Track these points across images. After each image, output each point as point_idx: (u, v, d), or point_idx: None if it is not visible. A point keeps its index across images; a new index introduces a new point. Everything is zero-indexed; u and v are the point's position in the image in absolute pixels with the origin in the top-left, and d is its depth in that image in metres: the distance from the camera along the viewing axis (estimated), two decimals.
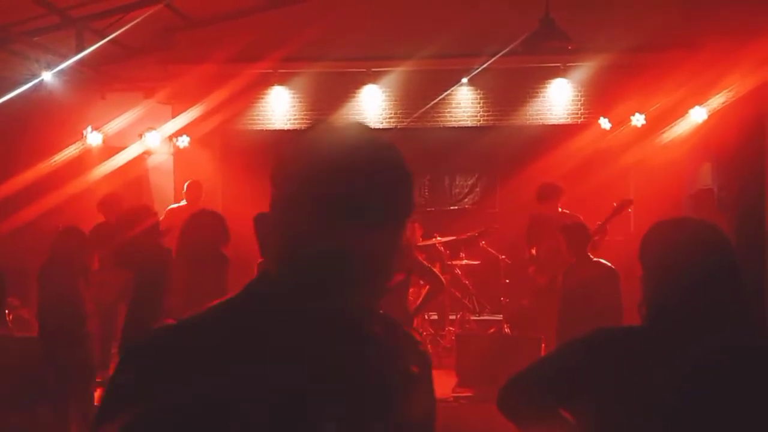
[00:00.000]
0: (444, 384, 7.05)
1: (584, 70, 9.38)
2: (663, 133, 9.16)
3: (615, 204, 6.70)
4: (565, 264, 5.57)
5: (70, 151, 9.23)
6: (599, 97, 9.49)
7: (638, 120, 9.17)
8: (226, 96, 9.31)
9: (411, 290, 5.50)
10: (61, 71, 8.25)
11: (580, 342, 1.91)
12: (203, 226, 5.98)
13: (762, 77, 7.99)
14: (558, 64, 9.40)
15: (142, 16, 7.92)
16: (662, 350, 1.77)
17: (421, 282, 5.36)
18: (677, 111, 9.02)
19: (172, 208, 8.78)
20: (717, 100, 8.67)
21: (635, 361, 1.77)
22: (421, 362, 1.30)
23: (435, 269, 8.48)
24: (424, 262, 5.34)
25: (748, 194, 8.06)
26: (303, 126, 9.88)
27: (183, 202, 8.83)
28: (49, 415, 5.66)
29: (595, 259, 5.36)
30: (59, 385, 5.63)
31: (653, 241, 1.92)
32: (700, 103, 8.84)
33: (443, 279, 5.18)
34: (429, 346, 8.31)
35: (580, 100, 9.66)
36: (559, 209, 7.14)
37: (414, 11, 9.23)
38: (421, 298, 5.23)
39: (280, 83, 9.81)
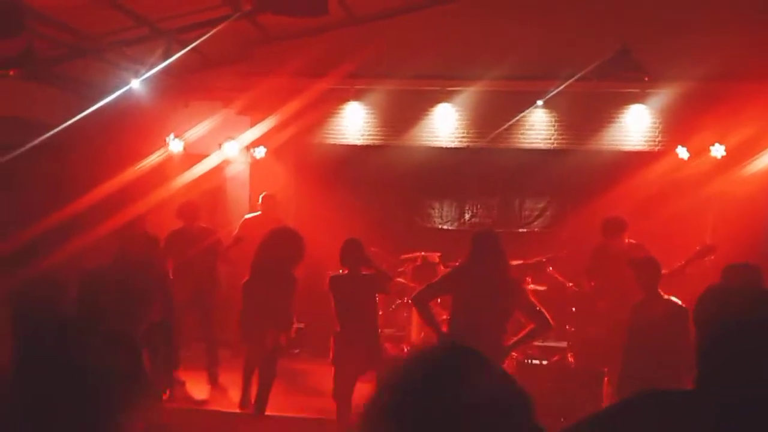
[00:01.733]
0: None
1: (662, 97, 9.19)
2: (744, 165, 8.89)
3: (697, 248, 6.56)
4: (632, 296, 5.48)
5: (154, 158, 9.60)
6: (678, 125, 9.28)
7: (718, 151, 8.93)
8: (302, 109, 9.51)
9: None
10: (148, 79, 8.58)
11: (630, 406, 1.90)
12: (282, 243, 6.16)
13: None
14: (636, 90, 9.23)
15: (219, 27, 8.14)
16: (706, 421, 1.77)
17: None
18: (759, 143, 8.75)
19: (247, 219, 9.03)
20: None
21: (679, 430, 1.78)
22: None
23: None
24: (536, 302, 5.18)
25: None
26: (375, 142, 10.00)
27: (257, 213, 9.06)
28: None
29: (665, 296, 5.25)
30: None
31: (706, 307, 1.91)
32: None
33: (551, 321, 5.00)
34: None
35: (658, 128, 9.46)
36: (627, 240, 7.01)
37: (490, 31, 9.22)
38: (522, 334, 5.09)
39: (355, 99, 9.96)
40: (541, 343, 8.80)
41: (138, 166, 9.31)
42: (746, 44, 8.57)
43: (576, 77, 8.72)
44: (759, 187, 8.82)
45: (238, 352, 7.23)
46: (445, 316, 5.75)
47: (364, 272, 5.97)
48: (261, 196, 9.16)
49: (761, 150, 8.78)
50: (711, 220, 9.23)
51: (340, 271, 6.09)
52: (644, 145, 9.51)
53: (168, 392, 6.71)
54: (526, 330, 4.99)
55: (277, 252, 6.12)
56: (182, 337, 7.60)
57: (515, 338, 5.00)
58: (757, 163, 8.84)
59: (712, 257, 6.64)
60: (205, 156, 9.93)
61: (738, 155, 8.90)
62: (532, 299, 5.11)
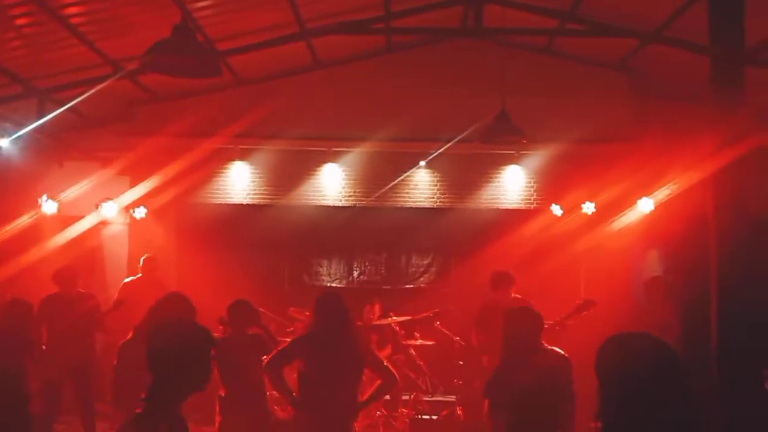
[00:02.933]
0: None
1: (537, 158, 9.75)
2: (613, 221, 9.51)
3: (578, 302, 6.89)
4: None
5: (25, 220, 9.10)
6: (551, 184, 9.84)
7: (588, 208, 9.52)
8: (184, 169, 9.36)
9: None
10: (19, 138, 8.20)
11: None
12: (174, 308, 5.94)
13: (702, 173, 8.39)
14: (512, 152, 9.76)
15: (101, 87, 7.95)
16: None
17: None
18: (626, 201, 9.39)
19: (127, 282, 8.70)
20: (663, 192, 9.05)
21: None
22: None
23: (387, 349, 8.54)
24: (379, 356, 5.25)
25: (693, 280, 8.34)
26: (262, 201, 9.95)
27: (138, 276, 8.76)
28: None
29: (549, 347, 5.44)
30: None
31: (606, 358, 2.02)
32: (647, 194, 9.23)
33: (396, 375, 5.08)
34: (382, 428, 8.22)
35: (533, 187, 9.99)
36: (513, 295, 7.26)
37: (376, 94, 9.52)
38: (371, 391, 5.13)
39: (240, 158, 9.92)
40: (430, 398, 8.91)
41: (7, 228, 8.79)
42: (615, 110, 9.29)
43: (457, 139, 9.13)
44: (627, 241, 9.43)
45: (115, 423, 6.84)
46: None
47: (249, 332, 5.87)
48: (142, 259, 8.86)
49: (628, 206, 9.43)
50: (584, 273, 9.75)
51: (223, 332, 5.94)
52: (521, 203, 9.99)
53: None
54: (375, 386, 5.05)
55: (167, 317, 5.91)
56: (58, 411, 7.14)
57: (365, 396, 5.04)
58: (625, 218, 9.47)
59: (591, 311, 6.98)
60: (81, 217, 9.53)
61: (607, 212, 9.52)
62: (378, 356, 5.19)
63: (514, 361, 4.97)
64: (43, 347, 6.76)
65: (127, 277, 8.96)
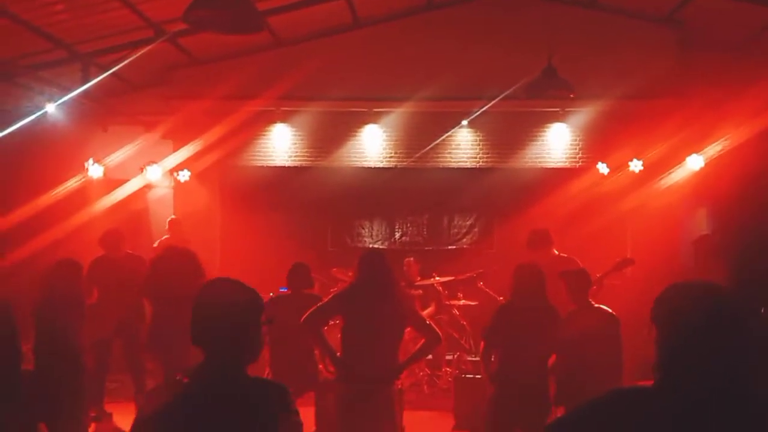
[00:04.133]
0: (441, 426, 7.01)
1: (583, 115, 9.52)
2: (661, 179, 9.27)
3: (617, 260, 6.76)
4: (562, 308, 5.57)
5: (72, 184, 9.27)
6: (597, 142, 9.62)
7: (636, 166, 9.30)
8: (227, 132, 9.41)
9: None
10: (65, 104, 8.29)
11: (599, 405, 1.93)
12: (174, 264, 6.05)
13: (755, 128, 8.14)
14: (557, 109, 9.54)
15: (144, 51, 7.99)
16: (674, 415, 1.82)
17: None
18: (674, 158, 9.16)
19: (161, 242, 8.87)
20: (713, 149, 8.80)
21: (650, 426, 1.82)
22: None
23: (431, 308, 8.54)
24: (421, 314, 5.23)
25: (744, 239, 8.13)
26: (304, 163, 9.95)
27: (165, 237, 8.97)
28: None
29: (596, 305, 5.37)
30: (51, 420, 5.55)
31: (667, 305, 1.95)
32: (696, 151, 8.97)
33: (440, 333, 5.06)
34: (426, 387, 8.26)
35: (579, 145, 9.78)
36: (555, 252, 7.15)
37: (416, 53, 9.39)
38: (415, 350, 5.12)
39: (282, 120, 9.91)
40: (473, 358, 8.90)
41: (54, 192, 8.96)
42: (662, 65, 9.00)
43: (501, 96, 8.95)
44: (674, 199, 9.20)
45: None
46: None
47: (306, 292, 5.97)
48: (168, 221, 9.08)
49: (676, 164, 9.18)
50: (630, 233, 9.57)
51: (271, 294, 6.04)
52: (566, 162, 9.80)
53: (93, 426, 6.42)
54: (419, 346, 5.02)
55: (171, 274, 6.04)
56: (108, 369, 7.32)
57: (408, 356, 5.01)
58: (673, 176, 9.23)
59: (631, 269, 6.85)
60: (127, 181, 9.67)
61: (655, 170, 9.29)
62: (422, 315, 5.17)
63: (511, 311, 5.12)
64: (93, 307, 6.91)
65: (156, 240, 9.13)
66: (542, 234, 7.21)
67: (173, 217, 9.25)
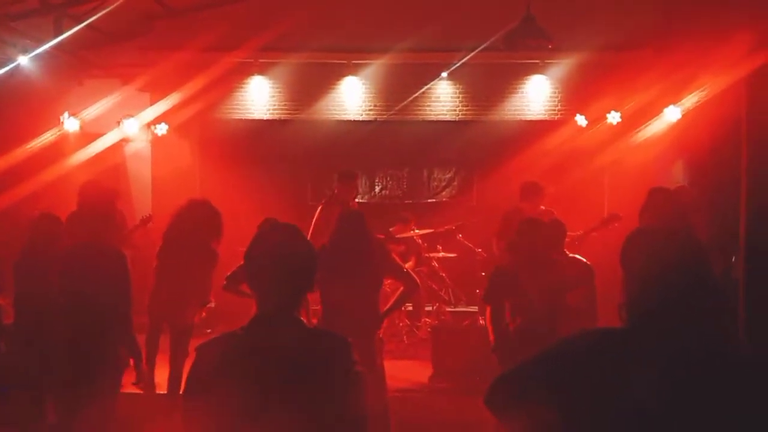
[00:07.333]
0: (420, 375, 7.16)
1: (562, 67, 9.50)
2: (638, 131, 9.32)
3: (603, 216, 6.87)
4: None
5: (47, 137, 9.15)
6: (576, 94, 9.63)
7: (614, 118, 9.33)
8: (205, 84, 9.27)
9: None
10: (38, 56, 8.13)
11: (568, 344, 1.98)
12: (195, 219, 6.01)
13: (733, 77, 8.13)
14: (536, 61, 9.51)
15: (119, 2, 7.82)
16: (642, 354, 1.87)
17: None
18: (652, 110, 9.18)
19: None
20: (690, 100, 8.83)
21: (617, 364, 1.86)
22: None
23: (411, 261, 8.61)
24: (399, 262, 5.29)
25: (722, 193, 8.22)
26: (282, 116, 9.88)
27: None
28: (25, 402, 5.62)
29: (571, 255, 5.47)
30: (37, 374, 5.59)
31: (635, 248, 2.00)
32: (674, 102, 9.00)
33: (417, 280, 5.12)
34: (405, 337, 8.39)
35: (558, 97, 9.79)
36: (542, 207, 7.22)
37: (395, 4, 9.25)
38: (394, 298, 5.19)
39: (260, 73, 9.80)
40: (452, 309, 9.04)
41: (29, 146, 8.84)
42: (641, 16, 8.95)
43: (481, 48, 8.88)
44: (652, 151, 9.26)
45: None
46: None
47: None
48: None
49: (654, 116, 9.21)
50: (608, 185, 9.65)
51: None
52: (545, 114, 9.82)
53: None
54: (397, 294, 5.10)
55: (194, 225, 5.99)
56: None
57: (388, 305, 5.10)
58: (651, 128, 9.28)
59: (617, 225, 6.95)
60: (103, 134, 9.55)
61: (632, 122, 9.32)
62: (399, 262, 5.22)
63: (525, 271, 5.00)
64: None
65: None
66: (535, 186, 7.30)
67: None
